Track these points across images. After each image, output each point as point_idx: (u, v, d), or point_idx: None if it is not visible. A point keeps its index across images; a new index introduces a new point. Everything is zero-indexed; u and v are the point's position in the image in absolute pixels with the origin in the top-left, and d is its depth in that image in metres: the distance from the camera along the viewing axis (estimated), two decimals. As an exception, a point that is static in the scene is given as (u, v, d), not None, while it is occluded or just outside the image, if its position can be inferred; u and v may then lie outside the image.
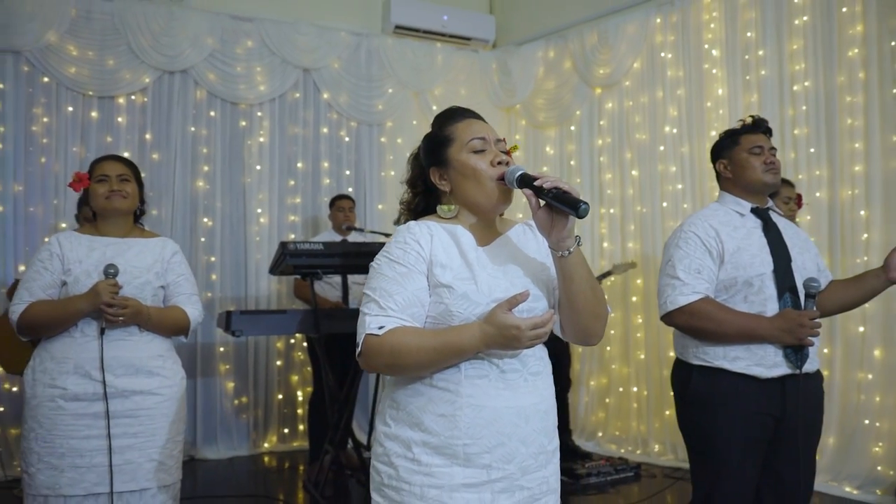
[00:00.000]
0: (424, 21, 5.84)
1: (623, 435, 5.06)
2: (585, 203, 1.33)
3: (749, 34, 4.52)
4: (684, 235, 2.30)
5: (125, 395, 2.32)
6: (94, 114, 4.81)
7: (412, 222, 1.53)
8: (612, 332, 5.20)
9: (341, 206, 4.83)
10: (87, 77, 4.74)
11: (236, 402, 5.10)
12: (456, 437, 1.39)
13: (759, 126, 2.36)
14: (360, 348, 1.41)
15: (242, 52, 5.21)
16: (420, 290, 1.44)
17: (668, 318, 2.28)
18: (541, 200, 1.40)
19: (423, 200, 1.62)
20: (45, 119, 4.67)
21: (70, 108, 4.73)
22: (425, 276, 1.45)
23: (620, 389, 5.13)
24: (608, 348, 5.23)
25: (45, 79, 4.67)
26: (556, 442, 1.53)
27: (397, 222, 1.61)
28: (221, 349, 5.08)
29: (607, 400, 5.21)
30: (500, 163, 1.50)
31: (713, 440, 2.23)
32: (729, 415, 2.20)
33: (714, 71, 4.71)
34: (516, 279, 1.47)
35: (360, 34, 5.67)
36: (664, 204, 4.93)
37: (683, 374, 2.34)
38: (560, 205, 1.36)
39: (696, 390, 2.27)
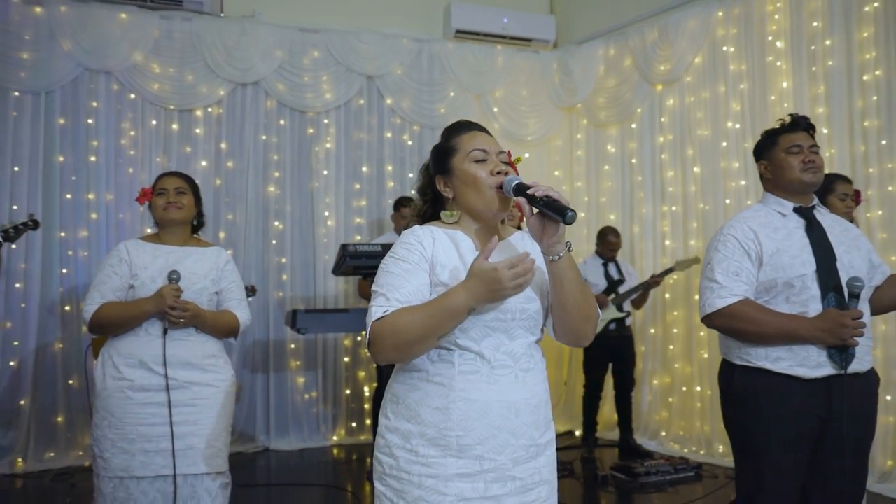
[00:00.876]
0: (484, 24, 5.94)
1: (686, 434, 5.00)
2: (572, 210, 1.42)
3: (815, 23, 4.38)
4: (723, 238, 2.31)
5: (185, 387, 2.54)
6: (174, 126, 5.18)
7: (416, 226, 1.64)
8: (675, 330, 5.14)
9: (405, 213, 4.96)
10: (168, 92, 5.11)
11: (307, 396, 5.37)
12: (449, 428, 1.48)
13: (797, 124, 2.34)
14: (368, 337, 1.51)
15: (309, 62, 5.47)
16: (423, 285, 1.54)
17: (708, 320, 2.30)
18: (534, 208, 1.49)
19: (431, 207, 1.72)
20: (132, 132, 5.06)
21: (153, 122, 5.12)
22: (427, 273, 1.56)
23: (684, 388, 5.07)
24: (671, 347, 5.18)
25: (132, 95, 5.07)
26: (550, 435, 1.61)
27: (406, 227, 1.73)
28: (292, 346, 5.35)
29: (670, 399, 5.16)
30: (499, 172, 1.59)
31: (755, 439, 2.24)
32: (771, 414, 2.20)
33: (778, 63, 4.59)
34: None
35: (422, 40, 5.83)
36: (727, 201, 4.84)
37: (727, 374, 2.35)
38: (549, 211, 1.45)
39: (738, 390, 2.28)
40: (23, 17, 4.80)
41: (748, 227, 2.28)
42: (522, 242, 1.69)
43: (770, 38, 4.62)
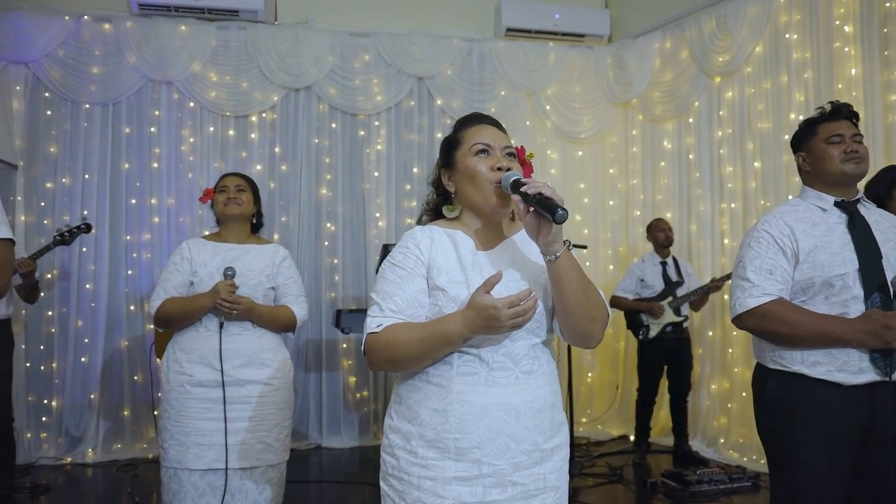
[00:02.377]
0: (536, 21, 5.85)
1: (746, 443, 4.76)
2: (563, 209, 1.35)
3: (888, 4, 4.08)
4: (756, 234, 2.18)
5: (240, 384, 2.62)
6: (231, 132, 5.37)
7: (416, 227, 1.62)
8: (735, 333, 4.91)
9: (451, 208, 4.99)
10: (224, 100, 5.30)
11: (358, 395, 5.45)
12: (447, 430, 1.45)
13: (839, 112, 2.19)
14: (363, 346, 1.52)
15: (360, 66, 5.55)
16: (419, 291, 1.52)
17: (738, 321, 2.17)
18: (530, 206, 1.44)
19: (443, 202, 1.70)
20: (191, 139, 5.28)
21: (211, 129, 5.33)
22: (424, 278, 1.53)
23: (744, 394, 4.83)
24: (730, 351, 4.95)
25: (191, 104, 5.29)
26: (559, 439, 1.55)
27: (419, 221, 1.70)
28: (344, 345, 5.44)
29: (729, 405, 4.92)
30: (499, 168, 1.55)
31: (791, 449, 2.10)
32: (807, 423, 2.06)
33: (846, 49, 4.30)
34: (512, 283, 1.51)
35: (472, 40, 5.81)
36: (790, 197, 4.57)
37: (760, 379, 2.22)
38: (540, 209, 1.39)
39: (772, 396, 2.15)
40: (93, 33, 5.11)
41: (784, 223, 2.14)
42: (527, 241, 1.63)
43: (837, 23, 4.33)
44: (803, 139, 2.25)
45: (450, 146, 1.65)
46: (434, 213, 1.71)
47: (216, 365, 2.60)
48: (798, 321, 2.05)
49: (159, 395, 4.95)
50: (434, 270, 1.53)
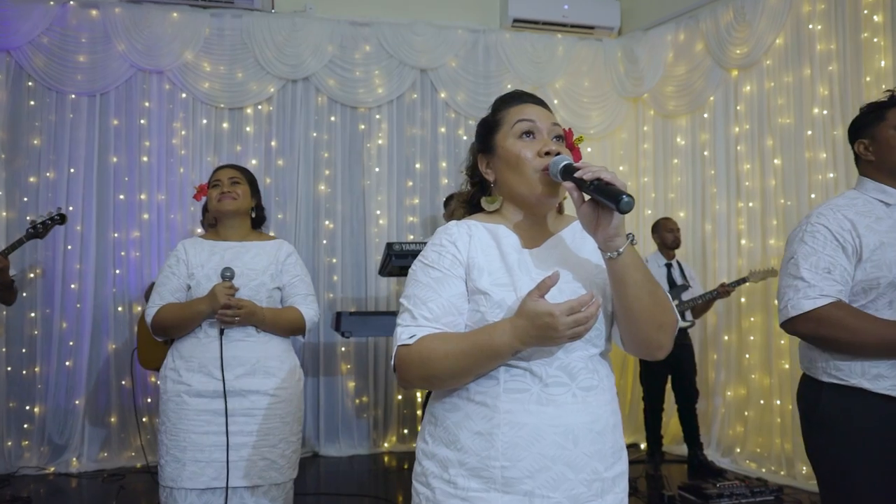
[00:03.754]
0: (544, 12, 5.64)
1: (764, 453, 4.55)
2: (629, 196, 1.14)
3: (920, -8, 3.88)
4: (811, 229, 1.94)
5: (243, 395, 2.39)
6: (225, 125, 5.12)
7: (451, 222, 1.40)
8: (752, 338, 4.70)
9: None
10: (218, 91, 5.06)
11: (357, 401, 5.21)
12: (492, 457, 1.23)
13: (912, 97, 1.96)
14: (393, 361, 1.30)
15: (360, 56, 5.31)
16: (456, 296, 1.31)
17: (790, 325, 1.94)
18: (585, 195, 1.23)
19: (479, 192, 1.48)
20: (183, 132, 5.03)
21: (204, 121, 5.08)
22: (463, 280, 1.32)
23: (761, 402, 4.62)
24: (747, 356, 4.73)
25: (183, 95, 5.04)
26: (620, 467, 1.33)
27: (451, 216, 1.48)
28: (343, 349, 5.20)
29: (746, 413, 4.71)
30: (547, 153, 1.32)
31: (848, 474, 1.87)
32: (869, 445, 1.83)
33: (875, 40, 4.09)
34: (565, 285, 1.30)
35: (477, 31, 5.59)
36: (812, 195, 4.37)
37: (811, 393, 1.99)
38: (601, 197, 1.18)
39: (826, 413, 1.92)
40: (79, 20, 4.85)
41: (843, 217, 1.91)
42: (580, 236, 1.42)
43: (866, 12, 4.12)
44: (867, 125, 2.03)
45: (488, 128, 1.43)
46: (470, 205, 1.49)
47: (216, 374, 2.37)
48: (861, 328, 1.82)
49: (149, 400, 4.77)
50: (474, 271, 1.31)
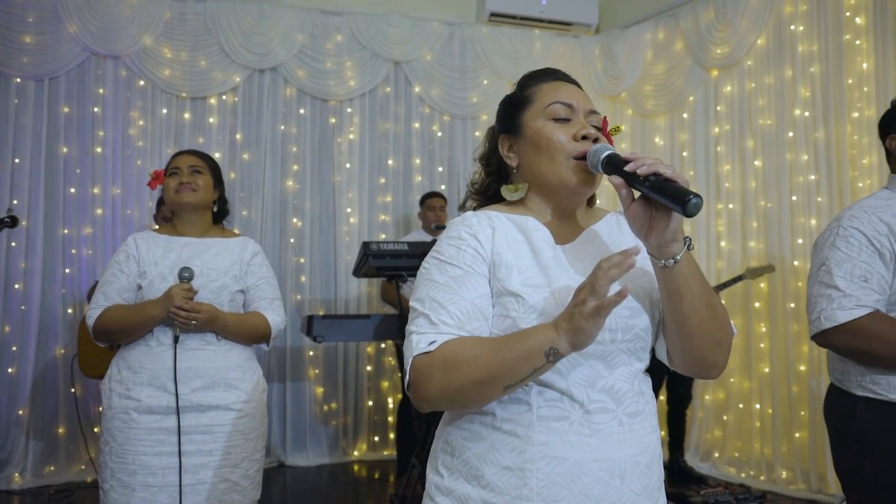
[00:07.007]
0: (521, 7, 5.49)
1: (743, 457, 4.48)
2: (697, 195, 0.96)
3: (903, -5, 3.85)
4: (844, 233, 1.82)
5: (200, 410, 2.15)
6: (186, 115, 4.81)
7: (469, 213, 1.21)
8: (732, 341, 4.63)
9: (432, 204, 4.59)
10: (180, 79, 4.75)
11: (325, 407, 4.96)
12: (525, 497, 1.05)
13: (945, 93, 1.86)
14: (408, 377, 1.08)
15: (332, 47, 5.07)
16: (480, 297, 1.11)
17: (823, 337, 1.81)
18: (635, 192, 1.05)
19: (496, 181, 1.30)
20: (140, 122, 4.71)
21: (164, 111, 4.76)
22: (486, 279, 1.13)
23: (740, 406, 4.56)
24: (727, 360, 4.66)
25: (142, 82, 4.72)
26: (663, 502, 1.16)
27: (462, 208, 1.29)
28: (311, 353, 4.95)
29: (725, 417, 4.64)
30: (584, 138, 1.15)
31: (886, 496, 1.75)
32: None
33: (857, 42, 4.06)
34: None
35: (454, 24, 5.41)
36: (793, 198, 4.32)
37: (844, 408, 1.86)
38: (660, 197, 1.00)
39: (862, 429, 1.79)
40: (26, -3, 4.48)
41: (879, 219, 1.79)
42: (617, 230, 1.25)
43: (848, 14, 4.09)
44: None
45: (514, 106, 1.25)
46: (483, 196, 1.31)
47: (170, 387, 2.12)
48: None
49: (100, 409, 4.42)
50: (501, 269, 1.12)
